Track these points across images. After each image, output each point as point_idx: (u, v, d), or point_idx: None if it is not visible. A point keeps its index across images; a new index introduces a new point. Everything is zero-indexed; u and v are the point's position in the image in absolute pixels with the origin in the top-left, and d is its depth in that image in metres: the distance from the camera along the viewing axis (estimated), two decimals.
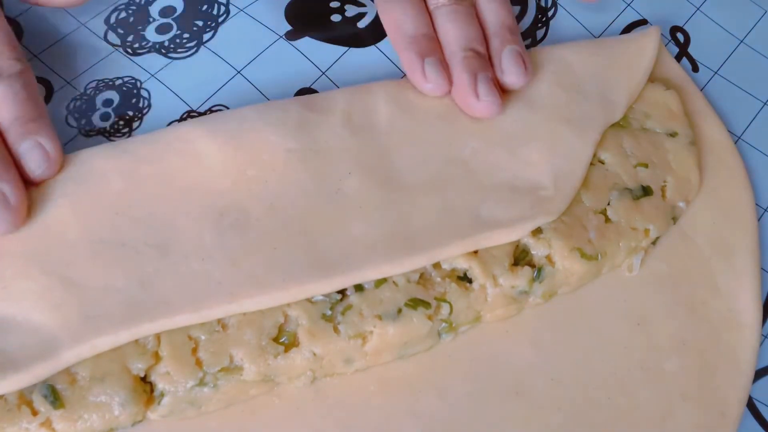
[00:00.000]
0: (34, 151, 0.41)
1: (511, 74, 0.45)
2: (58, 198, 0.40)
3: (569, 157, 0.43)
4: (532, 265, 0.41)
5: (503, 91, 0.45)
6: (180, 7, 0.51)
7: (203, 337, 0.38)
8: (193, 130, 0.43)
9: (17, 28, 0.50)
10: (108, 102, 0.47)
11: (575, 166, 0.43)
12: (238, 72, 0.48)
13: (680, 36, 0.52)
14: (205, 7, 0.51)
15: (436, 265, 0.40)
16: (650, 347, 0.41)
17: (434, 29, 0.46)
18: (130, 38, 0.50)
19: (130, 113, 0.47)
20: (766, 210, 0.46)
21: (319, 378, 0.39)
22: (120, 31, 0.50)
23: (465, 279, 0.40)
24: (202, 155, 0.42)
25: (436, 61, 0.45)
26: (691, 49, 0.52)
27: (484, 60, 0.45)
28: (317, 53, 0.49)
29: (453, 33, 0.45)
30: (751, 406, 0.40)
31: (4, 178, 0.39)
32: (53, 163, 0.41)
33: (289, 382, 0.39)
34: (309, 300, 0.39)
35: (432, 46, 0.45)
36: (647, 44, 0.48)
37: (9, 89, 0.41)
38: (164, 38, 0.50)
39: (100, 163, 0.42)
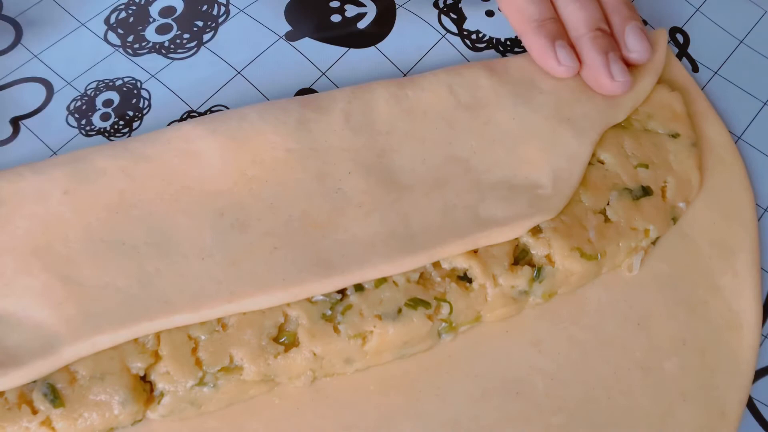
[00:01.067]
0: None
1: (636, 51, 0.46)
2: (59, 196, 0.40)
3: (568, 157, 0.43)
4: (531, 265, 0.41)
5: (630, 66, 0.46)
6: (180, 8, 0.51)
7: (203, 337, 0.38)
8: (194, 130, 0.43)
9: (17, 28, 0.50)
10: (108, 102, 0.47)
11: (574, 166, 0.43)
12: (238, 72, 0.48)
13: (680, 36, 0.52)
14: (205, 7, 0.51)
15: (436, 265, 0.40)
16: (650, 347, 0.41)
17: (556, 12, 0.47)
18: (130, 38, 0.50)
19: (130, 113, 0.47)
20: (766, 210, 0.46)
21: (319, 378, 0.39)
22: (120, 31, 0.50)
23: (465, 279, 0.40)
24: (203, 155, 0.42)
25: (566, 44, 0.46)
26: (691, 49, 0.52)
27: (611, 39, 0.46)
28: (317, 53, 0.49)
29: (577, 14, 0.46)
30: (751, 406, 0.40)
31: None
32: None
33: (289, 381, 0.39)
34: (309, 300, 0.39)
35: (559, 29, 0.46)
36: (657, 48, 0.48)
37: None
38: (164, 38, 0.50)
39: (100, 161, 0.42)
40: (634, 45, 0.46)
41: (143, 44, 0.50)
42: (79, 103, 0.47)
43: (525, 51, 0.50)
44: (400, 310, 0.39)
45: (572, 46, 0.46)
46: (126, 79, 0.48)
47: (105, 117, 0.47)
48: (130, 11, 0.51)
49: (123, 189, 0.41)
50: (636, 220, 0.42)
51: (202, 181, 0.41)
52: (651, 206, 0.43)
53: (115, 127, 0.46)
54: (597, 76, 0.45)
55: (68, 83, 0.48)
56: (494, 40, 0.51)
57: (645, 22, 0.52)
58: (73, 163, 0.42)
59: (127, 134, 0.46)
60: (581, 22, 0.46)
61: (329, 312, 0.38)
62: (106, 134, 0.46)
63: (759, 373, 0.41)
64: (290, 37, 0.50)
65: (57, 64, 0.49)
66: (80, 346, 0.36)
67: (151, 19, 0.51)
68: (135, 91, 0.48)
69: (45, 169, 0.41)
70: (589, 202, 0.43)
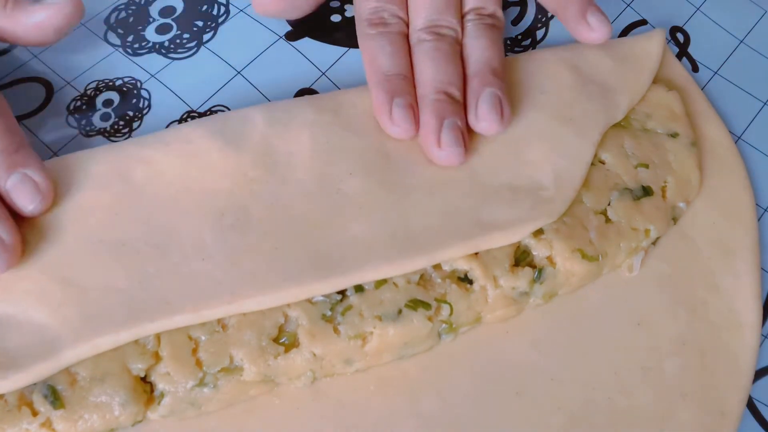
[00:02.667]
0: (24, 185, 0.39)
1: (484, 121, 0.42)
2: (59, 198, 0.40)
3: (570, 158, 0.43)
4: (532, 266, 0.41)
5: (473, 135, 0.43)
6: (180, 8, 0.51)
7: (203, 338, 0.38)
8: (194, 131, 0.43)
9: None
10: (108, 102, 0.47)
11: (576, 167, 0.43)
12: (238, 72, 0.48)
13: (680, 36, 0.52)
14: (205, 7, 0.51)
15: (437, 266, 0.40)
16: (650, 347, 0.41)
17: (412, 68, 0.44)
18: (130, 38, 0.50)
19: (131, 113, 0.47)
20: (766, 210, 0.46)
21: (319, 378, 0.39)
22: (120, 31, 0.50)
23: (465, 280, 0.40)
24: (203, 155, 0.42)
25: (405, 103, 0.42)
26: (691, 49, 0.52)
27: (456, 104, 0.42)
28: (317, 54, 0.49)
29: (428, 72, 0.43)
30: (751, 406, 0.40)
31: None
32: (46, 196, 0.39)
33: (289, 382, 0.39)
34: (309, 300, 0.39)
35: (404, 86, 0.43)
36: (652, 47, 0.48)
37: None
38: (164, 38, 0.50)
39: (100, 162, 0.42)
40: (483, 113, 0.42)
41: (143, 44, 0.50)
42: (79, 103, 0.47)
43: (525, 51, 0.50)
44: (400, 311, 0.39)
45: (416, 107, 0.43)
46: (126, 79, 0.48)
47: (105, 117, 0.47)
48: (130, 11, 0.51)
49: (122, 190, 0.41)
50: (636, 220, 0.42)
51: (203, 181, 0.41)
52: (651, 206, 0.43)
53: (115, 127, 0.46)
54: (426, 142, 0.42)
55: (68, 83, 0.48)
56: None
57: (645, 22, 0.52)
58: (72, 165, 0.42)
59: (127, 134, 0.46)
60: (428, 82, 0.43)
61: (329, 313, 0.38)
62: (106, 134, 0.46)
63: (759, 373, 0.41)
64: (290, 37, 0.50)
65: (57, 64, 0.49)
66: (81, 348, 0.36)
67: (151, 19, 0.51)
68: (135, 91, 0.48)
69: None
70: (591, 203, 0.43)
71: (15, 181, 0.39)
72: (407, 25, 0.46)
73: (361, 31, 0.46)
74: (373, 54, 0.44)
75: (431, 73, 0.43)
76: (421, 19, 0.45)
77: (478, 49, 0.45)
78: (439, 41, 0.44)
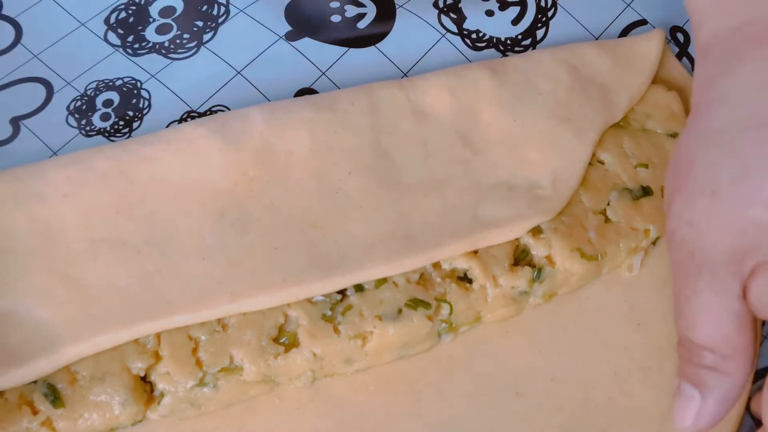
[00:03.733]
0: None
1: None
2: (60, 197, 0.40)
3: (568, 157, 0.43)
4: (532, 266, 0.41)
5: None
6: (180, 8, 0.51)
7: (203, 338, 0.38)
8: (194, 131, 0.43)
9: (17, 28, 0.50)
10: (108, 102, 0.47)
11: (573, 166, 0.43)
12: (238, 72, 0.48)
13: (680, 36, 0.52)
14: (205, 7, 0.51)
15: (436, 266, 0.40)
16: (650, 347, 0.41)
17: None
18: (130, 38, 0.50)
19: (131, 114, 0.47)
20: None
21: (319, 378, 0.39)
22: (120, 31, 0.50)
23: (465, 279, 0.40)
24: (204, 155, 0.42)
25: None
26: (691, 49, 0.52)
27: None
28: (317, 54, 0.49)
29: None
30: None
31: None
32: None
33: (289, 382, 0.39)
34: (309, 300, 0.39)
35: None
36: (651, 48, 0.48)
37: None
38: (164, 39, 0.50)
39: (100, 162, 0.42)
40: None
41: (143, 44, 0.50)
42: (79, 103, 0.47)
43: (525, 51, 0.50)
44: (400, 311, 0.39)
45: None
46: (126, 79, 0.48)
47: (105, 117, 0.47)
48: (130, 11, 0.51)
49: (123, 189, 0.41)
50: (636, 220, 0.42)
51: (203, 181, 0.41)
52: (651, 206, 0.43)
53: (115, 127, 0.46)
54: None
55: (68, 83, 0.48)
56: (494, 40, 0.51)
57: (645, 22, 0.52)
58: (72, 165, 0.42)
59: (127, 134, 0.46)
60: None
61: (329, 312, 0.39)
62: (106, 134, 0.46)
63: (759, 374, 0.41)
64: (290, 37, 0.50)
65: (57, 64, 0.49)
66: (81, 346, 0.36)
67: (151, 19, 0.51)
68: (135, 92, 0.48)
69: (44, 171, 0.41)
70: (590, 203, 0.43)
71: None
72: None
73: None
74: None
75: None
76: None
77: None
78: None
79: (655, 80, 0.48)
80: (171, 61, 0.49)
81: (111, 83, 0.48)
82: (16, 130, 0.46)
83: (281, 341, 0.38)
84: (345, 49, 0.50)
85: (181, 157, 0.42)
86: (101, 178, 0.41)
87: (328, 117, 0.44)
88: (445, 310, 0.39)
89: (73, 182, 0.41)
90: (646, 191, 0.43)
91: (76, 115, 0.47)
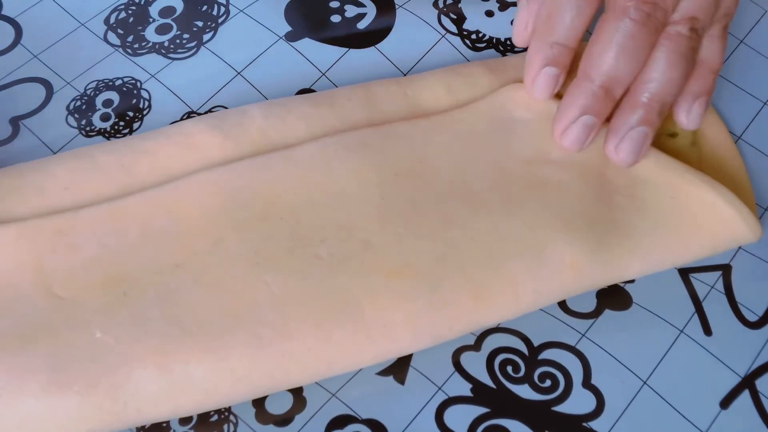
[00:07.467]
0: None
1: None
2: (61, 189, 0.40)
3: None
4: None
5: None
6: (180, 8, 0.51)
7: None
8: (194, 126, 0.43)
9: (17, 28, 0.50)
10: (108, 102, 0.47)
11: None
12: (238, 73, 0.48)
13: None
14: (205, 7, 0.51)
15: None
16: None
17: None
18: (130, 38, 0.50)
19: (130, 114, 0.47)
20: (766, 210, 0.46)
21: None
22: (120, 31, 0.50)
23: None
24: (203, 149, 0.42)
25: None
26: None
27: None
28: (317, 54, 0.49)
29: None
30: (755, 398, 0.40)
31: None
32: None
33: None
34: None
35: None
36: None
37: None
38: (164, 39, 0.50)
39: (101, 156, 0.41)
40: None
41: (143, 44, 0.50)
42: (79, 103, 0.47)
43: (525, 51, 0.50)
44: None
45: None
46: (126, 79, 0.48)
47: (105, 117, 0.47)
48: (129, 11, 0.51)
49: (124, 182, 0.41)
50: None
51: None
52: None
53: (116, 127, 0.46)
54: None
55: (68, 83, 0.48)
56: (494, 40, 0.51)
57: None
58: (73, 159, 0.41)
59: (127, 134, 0.46)
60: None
61: None
62: (106, 134, 0.46)
63: (764, 367, 0.41)
64: (290, 37, 0.50)
65: (57, 64, 0.49)
66: None
67: (151, 19, 0.51)
68: (135, 91, 0.48)
69: (45, 165, 0.41)
70: None
71: None
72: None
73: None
74: (552, 11, 0.42)
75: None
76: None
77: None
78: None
79: None
80: (171, 61, 0.49)
81: (111, 83, 0.48)
82: (16, 130, 0.46)
83: None
84: (345, 49, 0.50)
85: (181, 150, 0.42)
86: (102, 171, 0.41)
87: (326, 112, 0.44)
88: None
89: (74, 175, 0.41)
90: None
91: (76, 115, 0.47)
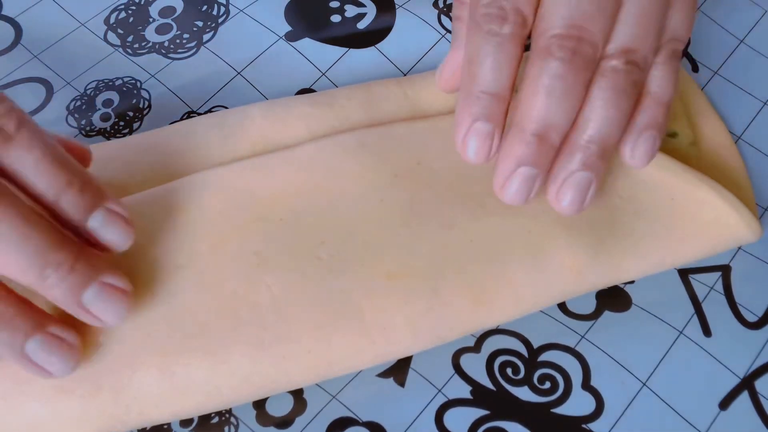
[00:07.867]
0: (112, 222, 0.34)
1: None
2: None
3: None
4: None
5: None
6: (180, 8, 0.51)
7: None
8: (194, 126, 0.43)
9: (17, 28, 0.50)
10: (108, 102, 0.47)
11: None
12: (238, 72, 0.48)
13: None
14: (204, 7, 0.51)
15: None
16: None
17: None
18: (130, 38, 0.50)
19: (130, 114, 0.47)
20: (766, 210, 0.46)
21: None
22: (120, 31, 0.50)
23: None
24: (204, 150, 0.42)
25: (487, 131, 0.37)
26: (690, 49, 0.52)
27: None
28: (317, 54, 0.49)
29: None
30: (754, 399, 0.40)
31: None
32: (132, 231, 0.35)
33: None
34: None
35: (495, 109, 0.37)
36: None
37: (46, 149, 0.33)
38: (164, 38, 0.50)
39: (101, 153, 0.41)
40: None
41: (143, 44, 0.50)
42: (78, 103, 0.47)
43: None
44: None
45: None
46: (126, 79, 0.48)
47: (105, 117, 0.47)
48: (129, 11, 0.51)
49: (124, 181, 0.41)
50: None
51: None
52: None
53: (116, 127, 0.46)
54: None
55: (68, 83, 0.48)
56: None
57: None
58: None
59: (127, 134, 0.46)
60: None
61: None
62: (106, 134, 0.46)
63: (763, 368, 0.41)
64: (290, 37, 0.50)
65: (57, 64, 0.49)
66: None
67: (150, 19, 0.51)
68: (135, 91, 0.48)
69: None
70: None
71: (100, 219, 0.34)
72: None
73: (473, 19, 0.37)
74: (472, 57, 0.37)
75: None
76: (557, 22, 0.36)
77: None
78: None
79: None
80: (171, 61, 0.49)
81: (111, 83, 0.48)
82: None
83: None
84: (345, 49, 0.50)
85: (181, 151, 0.42)
86: (101, 169, 0.41)
87: (326, 112, 0.44)
88: None
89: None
90: None
91: (76, 115, 0.47)
